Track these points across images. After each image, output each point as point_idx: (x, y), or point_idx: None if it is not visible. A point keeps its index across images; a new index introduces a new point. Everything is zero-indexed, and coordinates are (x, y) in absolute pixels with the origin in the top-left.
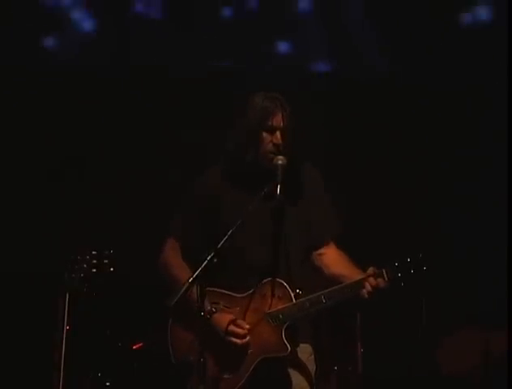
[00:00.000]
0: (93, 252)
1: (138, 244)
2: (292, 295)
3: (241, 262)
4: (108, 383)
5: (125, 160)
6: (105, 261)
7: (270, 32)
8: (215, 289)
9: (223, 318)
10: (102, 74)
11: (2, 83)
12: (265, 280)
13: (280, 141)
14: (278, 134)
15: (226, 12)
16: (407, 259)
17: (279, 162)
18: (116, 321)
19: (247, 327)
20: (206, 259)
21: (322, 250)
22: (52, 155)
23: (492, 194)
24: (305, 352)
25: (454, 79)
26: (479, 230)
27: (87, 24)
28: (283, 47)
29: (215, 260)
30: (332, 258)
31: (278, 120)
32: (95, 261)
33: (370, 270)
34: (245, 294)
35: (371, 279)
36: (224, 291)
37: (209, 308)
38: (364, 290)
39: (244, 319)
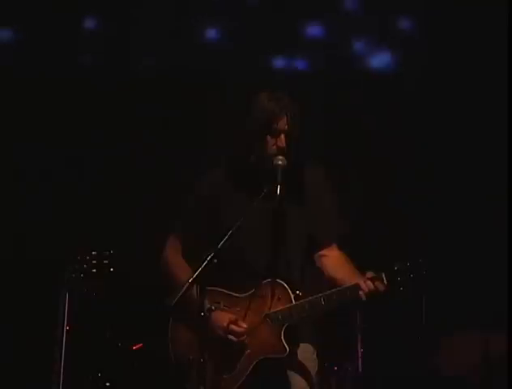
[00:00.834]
0: (93, 252)
1: (138, 244)
2: (292, 296)
3: (240, 263)
4: (108, 383)
5: (126, 160)
6: (105, 261)
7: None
8: (216, 289)
9: (221, 317)
10: (103, 73)
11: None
12: (265, 281)
13: (284, 144)
14: (282, 137)
15: None
16: (406, 263)
17: (279, 162)
18: (116, 321)
19: (245, 325)
20: (206, 260)
21: (323, 252)
22: (52, 155)
23: (492, 194)
24: (306, 351)
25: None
26: (479, 230)
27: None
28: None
29: (215, 260)
30: (333, 261)
31: (283, 123)
32: (95, 261)
33: (369, 274)
34: (246, 295)
35: (369, 283)
36: (224, 290)
37: (208, 306)
38: (362, 293)
39: (243, 319)
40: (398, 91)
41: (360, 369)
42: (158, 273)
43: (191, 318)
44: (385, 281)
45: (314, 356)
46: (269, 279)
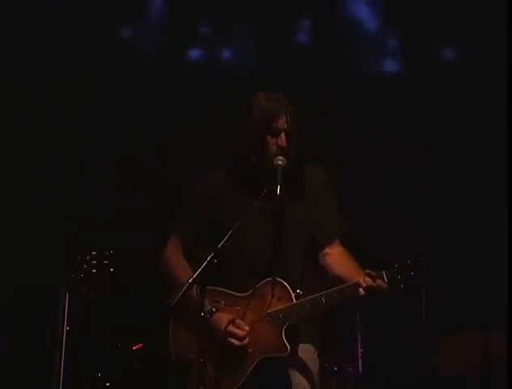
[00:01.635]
0: (93, 252)
1: (138, 244)
2: (293, 295)
3: (241, 263)
4: (108, 383)
5: (126, 160)
6: (105, 261)
7: None
8: (217, 288)
9: (222, 318)
10: (103, 74)
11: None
12: (265, 280)
13: (285, 143)
14: (283, 136)
15: None
16: (406, 261)
17: (279, 162)
18: (116, 321)
19: (247, 328)
20: (206, 260)
21: (326, 250)
22: (52, 155)
23: (492, 193)
24: (307, 351)
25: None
26: (479, 229)
27: None
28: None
29: (216, 261)
30: (336, 259)
31: (282, 122)
32: (95, 261)
33: (369, 271)
34: (246, 294)
35: (368, 279)
36: (225, 290)
37: (209, 308)
38: (361, 289)
39: (244, 319)
40: (398, 91)
41: (360, 370)
42: (158, 273)
43: (192, 318)
44: (385, 279)
45: (315, 355)
46: (269, 279)
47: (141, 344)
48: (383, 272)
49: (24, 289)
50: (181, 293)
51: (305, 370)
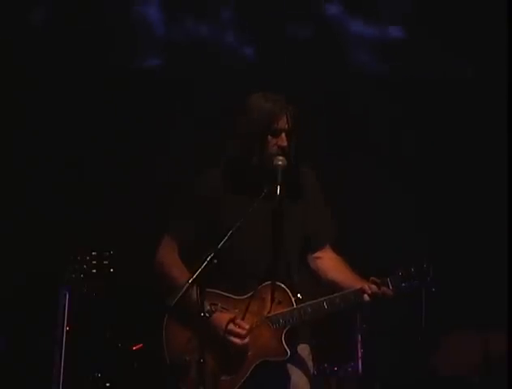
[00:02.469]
0: (93, 253)
1: (138, 244)
2: (293, 300)
3: (239, 263)
4: (108, 384)
5: (126, 160)
6: (105, 261)
7: None
8: (214, 291)
9: (222, 318)
10: (104, 74)
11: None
12: (265, 283)
13: (286, 144)
14: (283, 136)
15: None
16: (411, 269)
17: (279, 163)
18: (116, 321)
19: (247, 327)
20: (206, 260)
21: (318, 254)
22: (52, 155)
23: (492, 195)
24: (304, 350)
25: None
26: (479, 230)
27: None
28: None
29: (215, 261)
30: (328, 263)
31: (283, 123)
32: (95, 261)
33: (374, 278)
34: (245, 297)
35: (373, 286)
36: (222, 292)
37: (208, 308)
38: (366, 296)
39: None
40: (399, 91)
41: (360, 370)
42: (155, 273)
43: (187, 319)
44: (390, 286)
45: (311, 356)
46: (269, 282)
47: (141, 344)
48: (388, 279)
49: (24, 289)
50: (181, 293)
51: (303, 371)
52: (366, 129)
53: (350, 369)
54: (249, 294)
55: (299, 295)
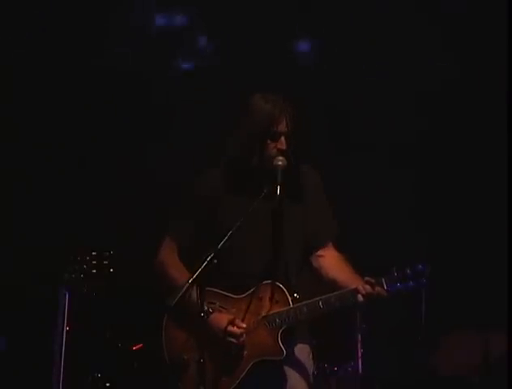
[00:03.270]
0: (93, 253)
1: (138, 244)
2: (290, 299)
3: (239, 264)
4: (108, 384)
5: (126, 160)
6: (105, 262)
7: None
8: (212, 289)
9: (219, 318)
10: (104, 74)
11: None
12: (263, 283)
13: (285, 147)
14: (283, 139)
15: None
16: (406, 270)
17: (279, 163)
18: (116, 321)
19: (244, 326)
20: (206, 260)
21: (320, 252)
22: (52, 155)
23: (491, 194)
24: (303, 352)
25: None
26: (479, 230)
27: None
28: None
29: (215, 261)
30: (330, 262)
31: (282, 126)
32: (95, 262)
33: (368, 278)
34: (242, 296)
35: (367, 287)
36: (220, 291)
37: (206, 308)
38: (360, 296)
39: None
40: (399, 92)
41: (360, 370)
42: (156, 273)
43: (186, 319)
44: (385, 287)
45: (310, 356)
46: (267, 281)
47: (141, 344)
48: (383, 280)
49: (24, 289)
50: (181, 293)
51: (301, 372)
52: (366, 128)
53: (350, 369)
54: (247, 293)
55: (296, 295)
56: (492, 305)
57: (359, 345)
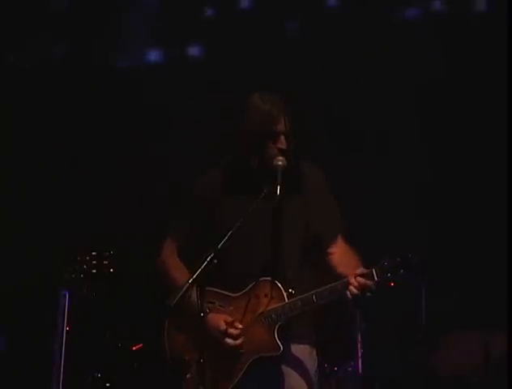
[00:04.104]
0: (93, 253)
1: (138, 244)
2: (285, 295)
3: (239, 263)
4: (108, 384)
5: (126, 160)
6: (105, 262)
7: None
8: (212, 289)
9: (218, 319)
10: (104, 74)
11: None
12: (259, 280)
13: (285, 146)
14: (282, 139)
15: None
16: (396, 259)
17: (279, 163)
18: (116, 321)
19: (240, 326)
20: (206, 260)
21: (330, 249)
22: (52, 155)
23: (492, 193)
24: (304, 351)
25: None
26: (479, 230)
27: None
28: None
29: (215, 261)
30: (339, 258)
31: (281, 126)
32: (95, 262)
33: (359, 270)
34: (239, 294)
35: (359, 279)
36: (219, 290)
37: (205, 308)
38: (352, 288)
39: (238, 319)
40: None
41: (360, 370)
42: (158, 273)
43: (186, 318)
44: (375, 277)
45: (313, 355)
46: (263, 278)
47: (141, 344)
48: (373, 270)
49: (24, 289)
50: (181, 294)
51: (302, 371)
52: (365, 127)
53: (350, 369)
54: (244, 291)
55: (291, 290)
56: (492, 305)
57: (359, 345)
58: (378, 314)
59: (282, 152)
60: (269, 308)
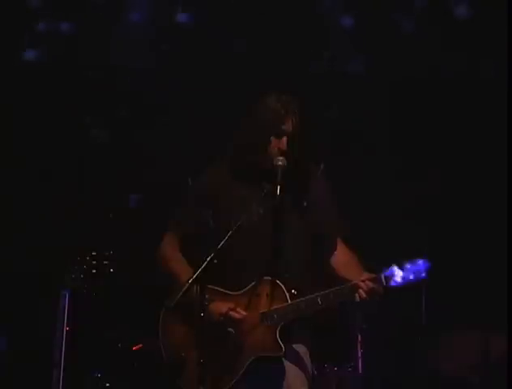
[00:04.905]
0: (93, 253)
1: (137, 244)
2: (288, 295)
3: (239, 262)
4: (108, 384)
5: (125, 160)
6: (105, 262)
7: None
8: (213, 287)
9: (221, 305)
10: (103, 73)
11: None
12: (261, 279)
13: (285, 147)
14: (284, 140)
15: None
16: (405, 264)
17: (279, 163)
18: (116, 321)
19: (243, 312)
20: (206, 260)
21: (331, 250)
22: (52, 155)
23: (492, 194)
24: (300, 352)
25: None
26: (479, 230)
27: None
28: None
29: (215, 261)
30: (340, 260)
31: (287, 126)
32: (95, 262)
33: (366, 274)
34: (240, 292)
35: (368, 283)
36: (219, 288)
37: (207, 297)
38: (358, 294)
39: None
40: (403, 91)
41: (360, 370)
42: (157, 273)
43: (184, 317)
44: (384, 282)
45: (307, 356)
46: (264, 278)
47: (141, 344)
48: (382, 275)
49: (25, 289)
50: (180, 294)
51: (300, 370)
52: (365, 126)
53: (350, 369)
54: (244, 290)
55: (294, 291)
56: (492, 305)
57: (359, 345)
58: (379, 313)
59: (282, 153)
60: (272, 308)
